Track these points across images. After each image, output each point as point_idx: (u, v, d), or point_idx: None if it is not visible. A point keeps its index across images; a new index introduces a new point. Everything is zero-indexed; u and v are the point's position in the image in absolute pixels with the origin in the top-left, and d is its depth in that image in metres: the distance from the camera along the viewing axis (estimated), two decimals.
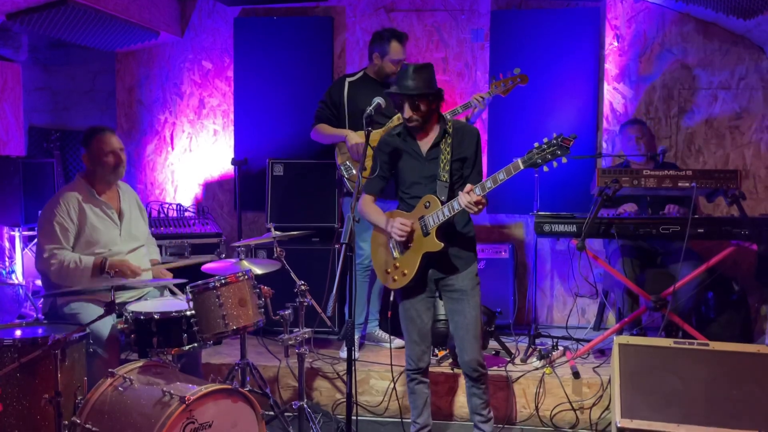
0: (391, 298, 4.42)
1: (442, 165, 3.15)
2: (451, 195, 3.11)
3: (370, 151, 4.23)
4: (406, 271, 3.17)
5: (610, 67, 5.08)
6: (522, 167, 2.93)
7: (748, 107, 4.93)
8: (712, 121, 4.99)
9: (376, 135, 4.31)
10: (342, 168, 4.36)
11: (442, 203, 3.08)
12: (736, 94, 4.94)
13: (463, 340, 3.22)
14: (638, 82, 5.05)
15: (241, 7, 5.37)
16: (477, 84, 5.15)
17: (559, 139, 2.88)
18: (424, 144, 3.23)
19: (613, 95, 5.09)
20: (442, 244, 3.07)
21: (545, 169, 2.92)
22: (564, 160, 2.89)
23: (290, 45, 5.29)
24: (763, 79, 4.89)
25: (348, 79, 4.45)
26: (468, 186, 3.00)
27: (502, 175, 2.95)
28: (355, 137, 4.23)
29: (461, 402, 4.01)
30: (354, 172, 4.28)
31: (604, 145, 5.09)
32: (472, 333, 3.20)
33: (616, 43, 5.06)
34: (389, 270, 3.23)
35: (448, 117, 3.33)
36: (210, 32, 5.47)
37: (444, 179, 3.14)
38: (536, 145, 2.93)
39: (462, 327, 3.21)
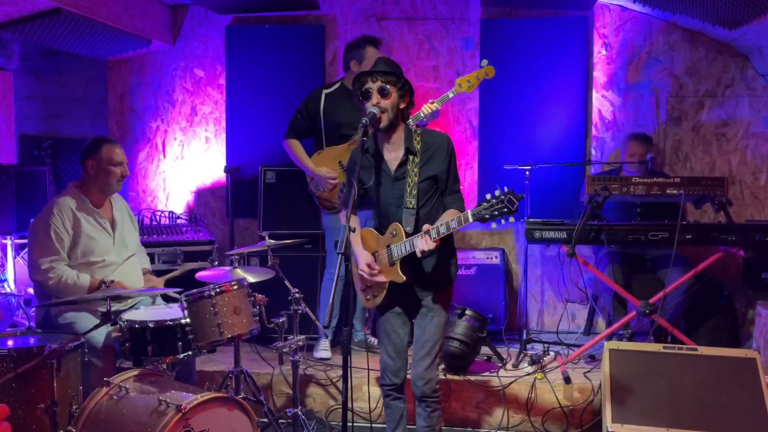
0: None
1: (408, 189, 3.01)
2: (418, 220, 3.01)
3: (338, 158, 4.31)
4: (376, 294, 3.13)
5: (599, 75, 5.14)
6: (471, 220, 2.81)
7: (734, 114, 5.01)
8: (699, 128, 5.06)
9: (339, 149, 4.37)
10: (311, 185, 4.43)
11: (407, 234, 2.98)
12: (722, 101, 5.02)
13: (415, 355, 3.13)
14: (626, 89, 5.12)
15: (232, 15, 5.40)
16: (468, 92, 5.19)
17: (506, 197, 2.74)
18: (392, 162, 3.07)
19: (601, 103, 5.16)
20: (405, 278, 3.00)
21: (494, 225, 2.79)
22: (512, 219, 2.78)
23: (282, 53, 5.32)
24: (748, 86, 4.97)
25: (325, 91, 4.47)
26: (425, 228, 2.89)
27: (454, 224, 2.85)
28: (324, 171, 4.32)
29: (453, 408, 4.04)
30: (321, 189, 4.37)
31: (593, 152, 5.15)
32: (426, 350, 3.08)
33: (604, 52, 5.12)
34: (364, 288, 3.19)
35: (412, 124, 3.17)
36: (202, 40, 5.49)
37: (411, 206, 3.00)
38: (488, 197, 2.80)
39: (418, 342, 3.13)
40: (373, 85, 2.98)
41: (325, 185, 4.35)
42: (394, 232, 3.03)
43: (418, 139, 3.06)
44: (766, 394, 3.39)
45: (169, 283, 3.91)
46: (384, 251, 3.07)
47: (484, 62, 4.32)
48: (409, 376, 3.20)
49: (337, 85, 4.50)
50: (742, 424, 3.33)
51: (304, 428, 3.55)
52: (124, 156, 3.72)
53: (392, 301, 3.14)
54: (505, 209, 2.75)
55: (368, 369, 3.70)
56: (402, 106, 3.04)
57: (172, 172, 5.59)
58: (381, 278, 3.04)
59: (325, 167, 4.35)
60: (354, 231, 3.07)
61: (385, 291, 3.08)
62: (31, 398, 2.94)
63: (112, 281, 3.53)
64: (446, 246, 3.11)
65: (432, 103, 4.29)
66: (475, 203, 5.40)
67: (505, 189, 2.78)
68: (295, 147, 4.44)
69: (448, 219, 2.91)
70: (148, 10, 5.06)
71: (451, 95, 4.29)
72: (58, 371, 2.88)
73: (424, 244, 2.87)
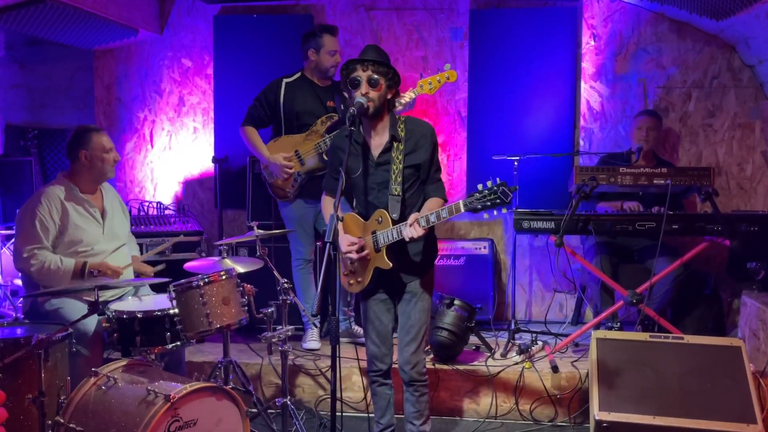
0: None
1: (393, 176, 3.02)
2: (404, 207, 3.04)
3: (310, 147, 4.30)
4: (360, 279, 3.14)
5: (587, 65, 5.15)
6: (462, 210, 2.83)
7: (721, 105, 5.03)
8: (686, 119, 5.08)
9: (296, 138, 4.37)
10: (265, 172, 4.43)
11: (394, 221, 2.99)
12: (709, 92, 5.04)
13: (401, 341, 3.16)
14: (614, 80, 5.13)
15: (220, 5, 5.36)
16: (456, 83, 5.17)
17: (500, 188, 2.76)
18: (375, 149, 3.08)
19: (590, 93, 5.17)
20: (391, 264, 3.01)
21: (485, 216, 2.82)
22: (504, 210, 2.80)
23: (270, 43, 5.29)
24: (735, 77, 4.99)
25: (285, 80, 4.46)
26: (413, 216, 2.90)
27: (444, 213, 2.87)
28: (279, 159, 4.31)
29: (441, 398, 4.06)
30: (275, 176, 4.36)
31: (582, 142, 5.17)
32: (411, 336, 3.13)
33: (592, 42, 5.13)
34: (346, 273, 3.20)
35: (396, 114, 3.15)
36: (189, 30, 5.45)
37: (396, 192, 3.02)
38: (479, 188, 2.81)
39: (403, 328, 3.16)
40: (362, 74, 2.97)
41: (281, 173, 4.33)
42: (380, 219, 3.04)
43: (402, 126, 3.08)
44: (751, 382, 3.43)
45: (157, 273, 3.90)
46: (369, 237, 3.08)
47: (447, 66, 4.34)
48: (395, 366, 3.22)
49: (297, 75, 4.48)
50: (727, 411, 3.37)
51: (293, 418, 3.55)
52: (111, 142, 3.72)
53: (376, 287, 3.17)
54: (498, 200, 2.77)
55: (357, 359, 3.71)
56: (389, 96, 3.05)
57: (159, 163, 5.56)
58: (365, 253, 3.06)
59: (281, 155, 4.34)
60: (342, 220, 3.09)
61: (370, 275, 3.10)
62: (19, 389, 2.92)
63: (99, 271, 3.50)
64: (430, 231, 3.13)
65: (403, 95, 4.26)
66: (464, 193, 5.45)
67: (498, 180, 2.80)
68: (252, 134, 4.43)
69: (437, 208, 2.94)
70: (134, 0, 5.02)
71: (414, 95, 4.30)
72: (45, 361, 2.86)
73: (413, 231, 2.89)
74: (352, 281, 3.19)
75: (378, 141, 3.09)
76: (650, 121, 4.65)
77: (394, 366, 3.27)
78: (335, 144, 3.20)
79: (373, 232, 3.06)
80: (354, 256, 3.07)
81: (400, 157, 3.03)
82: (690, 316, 4.54)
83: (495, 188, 2.77)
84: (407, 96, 4.27)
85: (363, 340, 4.45)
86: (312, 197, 4.35)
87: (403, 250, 3.09)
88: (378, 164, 3.08)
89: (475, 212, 2.82)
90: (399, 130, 3.06)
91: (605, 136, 5.15)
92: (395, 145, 3.04)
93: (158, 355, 3.25)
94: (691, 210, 4.76)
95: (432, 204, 3.05)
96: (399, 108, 4.26)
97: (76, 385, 2.94)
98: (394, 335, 3.25)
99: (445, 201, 3.15)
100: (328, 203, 3.28)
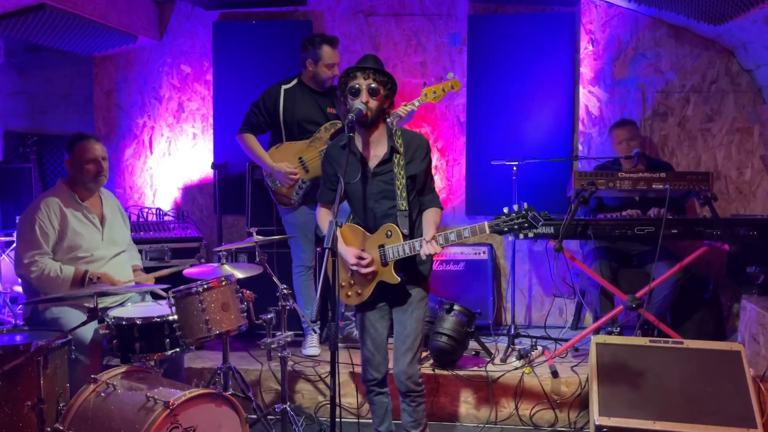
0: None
1: (398, 192, 3.01)
2: (411, 221, 3.04)
3: (314, 154, 4.33)
4: (360, 291, 3.11)
5: (586, 70, 5.16)
6: (488, 232, 2.88)
7: (719, 110, 5.04)
8: (685, 123, 5.09)
9: (299, 145, 4.37)
10: (268, 180, 4.42)
11: (404, 236, 2.99)
12: (707, 97, 5.05)
13: (397, 350, 3.13)
14: (613, 85, 5.14)
15: (219, 11, 5.38)
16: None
17: (529, 213, 2.79)
18: (372, 159, 3.07)
19: (588, 98, 5.18)
20: (399, 279, 3.00)
21: (510, 238, 2.92)
22: (531, 234, 2.83)
23: (269, 49, 5.30)
24: (733, 82, 5.00)
25: (284, 86, 4.45)
26: (430, 233, 2.93)
27: (467, 233, 2.89)
28: (284, 167, 4.30)
29: (441, 403, 4.06)
30: (279, 183, 4.36)
31: (580, 147, 5.17)
32: (407, 345, 3.09)
33: (591, 47, 5.15)
34: (344, 285, 3.16)
35: (393, 123, 3.15)
36: (188, 36, 5.46)
37: (403, 207, 3.01)
38: (505, 211, 2.84)
39: (399, 337, 3.13)
40: (363, 83, 2.97)
41: (286, 181, 4.32)
42: (389, 233, 3.03)
43: (399, 141, 3.07)
44: (751, 387, 3.42)
45: (157, 280, 3.90)
46: (375, 251, 3.06)
47: (450, 75, 4.35)
48: (390, 372, 3.21)
49: (294, 81, 4.47)
50: (727, 416, 3.36)
51: (292, 424, 3.55)
52: (101, 151, 3.69)
53: (375, 299, 3.14)
54: (527, 224, 2.82)
55: (351, 363, 3.69)
56: (385, 106, 3.05)
57: (159, 169, 5.57)
58: (373, 269, 3.04)
59: (285, 162, 4.33)
60: (341, 226, 3.08)
61: (372, 289, 3.08)
62: (18, 396, 2.92)
63: (99, 278, 3.52)
64: None
65: (405, 105, 4.30)
66: (463, 198, 5.43)
67: (525, 205, 2.84)
68: (251, 142, 4.42)
69: (436, 218, 2.97)
70: (134, 6, 5.03)
71: (417, 104, 4.30)
72: (44, 368, 2.87)
73: (431, 248, 2.92)
74: (350, 293, 3.15)
75: (374, 152, 3.08)
76: (626, 133, 4.60)
77: (390, 372, 3.25)
78: (329, 154, 3.17)
79: (381, 246, 3.04)
80: (363, 270, 3.04)
81: (402, 172, 3.03)
82: (690, 320, 4.54)
83: (524, 213, 2.82)
84: (411, 105, 4.28)
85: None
86: (316, 203, 4.34)
87: (408, 263, 3.08)
88: (375, 174, 3.06)
89: (500, 234, 2.89)
90: (397, 143, 3.05)
91: (604, 141, 5.16)
92: (397, 158, 3.03)
93: (157, 361, 3.25)
94: (691, 214, 4.76)
95: (431, 214, 3.07)
96: (404, 115, 4.26)
97: (76, 391, 2.93)
98: (389, 340, 3.24)
99: (441, 209, 3.18)
100: (324, 215, 3.24)
